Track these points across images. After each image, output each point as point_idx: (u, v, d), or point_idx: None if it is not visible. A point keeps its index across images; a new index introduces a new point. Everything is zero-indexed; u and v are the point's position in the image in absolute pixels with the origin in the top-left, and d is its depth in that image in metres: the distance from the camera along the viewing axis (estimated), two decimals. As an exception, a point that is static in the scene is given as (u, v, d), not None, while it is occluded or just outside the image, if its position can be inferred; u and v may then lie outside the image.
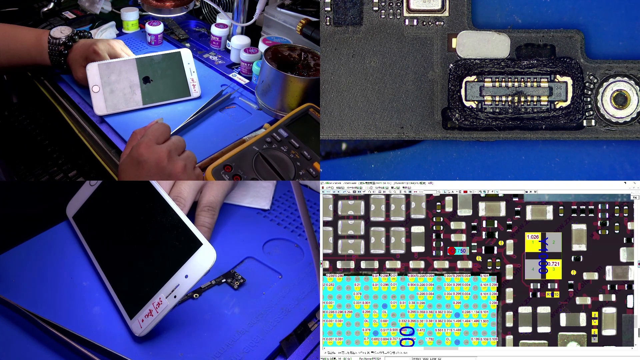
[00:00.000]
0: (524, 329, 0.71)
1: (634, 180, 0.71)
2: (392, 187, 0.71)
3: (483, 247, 0.71)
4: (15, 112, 1.08)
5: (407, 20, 0.70)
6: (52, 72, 0.97)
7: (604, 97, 0.69)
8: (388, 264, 0.71)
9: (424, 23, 0.70)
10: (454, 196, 0.71)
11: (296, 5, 1.01)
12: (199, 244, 0.65)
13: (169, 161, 0.67)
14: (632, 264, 0.71)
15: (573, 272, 0.71)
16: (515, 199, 0.71)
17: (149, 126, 0.71)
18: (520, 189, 0.71)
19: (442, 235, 0.71)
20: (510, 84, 0.69)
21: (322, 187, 0.71)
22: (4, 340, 0.66)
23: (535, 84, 0.69)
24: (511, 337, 0.71)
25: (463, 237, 0.71)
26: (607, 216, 0.71)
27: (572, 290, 0.71)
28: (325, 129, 0.71)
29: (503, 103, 0.69)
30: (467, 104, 0.69)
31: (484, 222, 0.71)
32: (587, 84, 0.69)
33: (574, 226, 0.71)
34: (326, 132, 0.71)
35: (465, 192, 0.71)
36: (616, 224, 0.71)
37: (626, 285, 0.71)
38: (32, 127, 1.05)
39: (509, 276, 0.71)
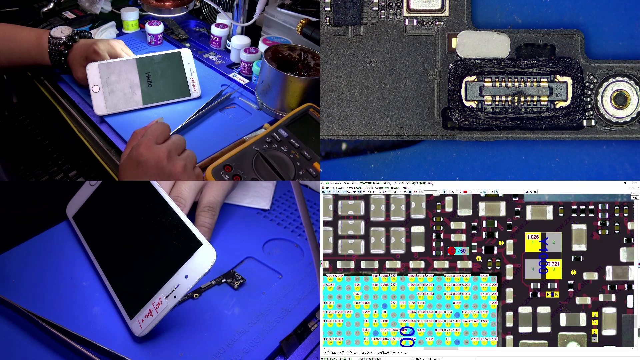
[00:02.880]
0: (524, 329, 0.71)
1: (634, 180, 0.71)
2: (392, 187, 0.71)
3: (483, 247, 0.71)
4: (15, 112, 1.08)
5: (407, 20, 0.70)
6: (52, 72, 0.97)
7: (604, 97, 0.69)
8: (388, 264, 0.71)
9: (424, 23, 0.70)
10: (454, 196, 0.71)
11: (296, 5, 1.01)
12: (199, 244, 0.65)
13: (168, 161, 0.67)
14: (632, 264, 0.71)
15: (573, 272, 0.71)
16: (515, 199, 0.71)
17: (149, 126, 0.71)
18: (520, 189, 0.71)
19: (442, 235, 0.71)
20: (510, 84, 0.69)
21: (322, 187, 0.72)
22: (4, 340, 0.66)
23: (535, 84, 0.69)
24: (511, 337, 0.71)
25: (463, 237, 0.71)
26: (607, 216, 0.71)
27: (572, 290, 0.71)
28: (325, 129, 0.71)
29: (503, 103, 0.69)
30: (467, 104, 0.69)
31: (484, 222, 0.71)
32: (587, 84, 0.69)
33: (574, 226, 0.71)
34: (326, 132, 0.71)
35: (465, 192, 0.71)
36: (616, 224, 0.71)
37: (626, 285, 0.71)
38: (32, 127, 1.05)
39: (509, 276, 0.71)
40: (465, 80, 0.69)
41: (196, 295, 0.73)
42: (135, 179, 0.68)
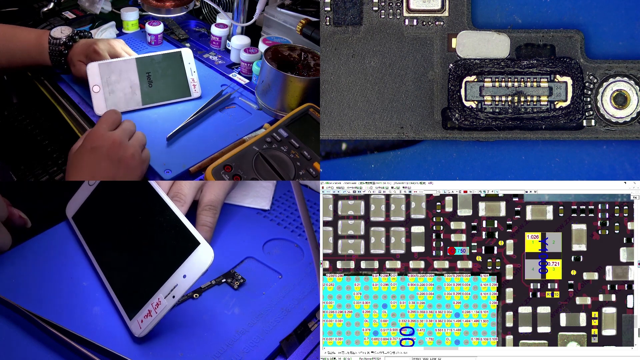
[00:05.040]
0: (524, 329, 0.71)
1: (634, 180, 0.71)
2: (392, 187, 0.71)
3: (483, 247, 0.71)
4: (15, 112, 1.08)
5: (407, 20, 0.70)
6: (52, 72, 0.97)
7: (604, 97, 0.69)
8: (388, 264, 0.71)
9: (424, 23, 0.70)
10: (454, 196, 0.71)
11: (296, 5, 1.01)
12: (197, 243, 0.65)
13: (119, 147, 0.72)
14: (632, 264, 0.71)
15: (573, 272, 0.71)
16: (515, 199, 0.71)
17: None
18: (520, 189, 0.71)
19: (442, 235, 0.71)
20: (510, 84, 0.69)
21: (322, 187, 0.71)
22: (4, 340, 0.66)
23: (535, 84, 0.69)
24: (511, 337, 0.71)
25: (463, 237, 0.71)
26: (607, 216, 0.71)
27: (572, 290, 0.71)
28: (325, 129, 0.71)
29: (503, 103, 0.69)
30: (467, 104, 0.69)
31: (484, 222, 0.71)
32: (587, 84, 0.69)
33: (574, 226, 0.71)
34: (326, 132, 0.71)
35: (465, 192, 0.71)
36: (616, 224, 0.71)
37: (626, 285, 0.71)
38: (32, 127, 1.05)
39: (509, 276, 0.71)
40: (465, 80, 0.69)
41: (196, 295, 0.73)
42: (88, 166, 0.71)
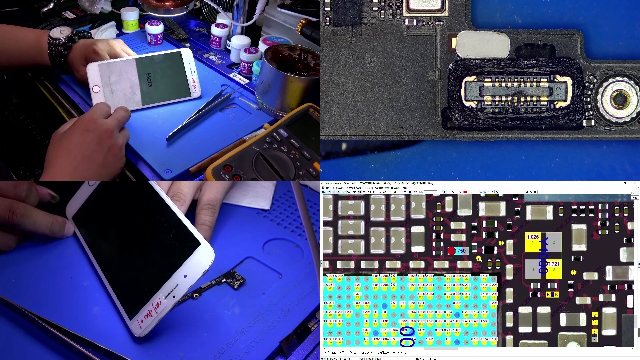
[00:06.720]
0: (524, 329, 0.71)
1: (634, 180, 0.71)
2: (392, 187, 0.71)
3: (483, 247, 0.71)
4: (15, 112, 1.08)
5: (406, 20, 0.70)
6: (52, 72, 0.97)
7: (604, 97, 0.69)
8: (388, 264, 0.71)
9: (424, 23, 0.70)
10: (454, 196, 0.71)
11: (296, 5, 1.01)
12: (197, 243, 0.65)
13: (110, 135, 0.76)
14: (632, 264, 0.71)
15: (573, 272, 0.71)
16: (515, 199, 0.71)
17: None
18: (520, 189, 0.71)
19: (442, 235, 0.71)
20: (510, 84, 0.69)
21: (322, 187, 0.72)
22: (4, 340, 0.66)
23: (535, 84, 0.69)
24: (511, 337, 0.71)
25: (463, 237, 0.71)
26: (607, 216, 0.71)
27: (572, 290, 0.71)
28: (325, 129, 0.71)
29: (503, 103, 0.69)
30: (467, 104, 0.69)
31: (484, 222, 0.71)
32: (586, 84, 0.69)
33: (574, 226, 0.71)
34: (326, 132, 0.71)
35: (465, 192, 0.71)
36: (616, 224, 0.71)
37: (626, 285, 0.71)
38: (32, 127, 1.05)
39: (509, 276, 0.71)
40: (465, 80, 0.69)
41: (196, 295, 0.73)
42: (78, 147, 0.74)
